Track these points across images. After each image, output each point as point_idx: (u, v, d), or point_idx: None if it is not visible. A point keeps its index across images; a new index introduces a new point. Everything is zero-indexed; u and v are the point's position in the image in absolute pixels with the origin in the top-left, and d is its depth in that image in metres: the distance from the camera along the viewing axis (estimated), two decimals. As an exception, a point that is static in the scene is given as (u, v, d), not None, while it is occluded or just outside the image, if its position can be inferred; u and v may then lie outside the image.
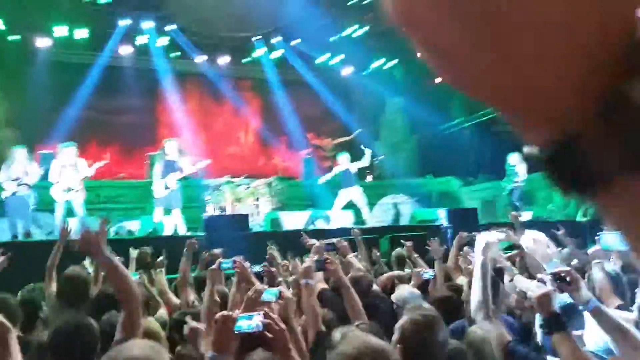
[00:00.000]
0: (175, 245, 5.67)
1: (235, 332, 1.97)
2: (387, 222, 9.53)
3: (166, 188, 7.90)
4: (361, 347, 1.44)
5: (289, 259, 4.62)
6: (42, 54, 12.58)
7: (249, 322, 2.02)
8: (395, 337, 2.02)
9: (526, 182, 9.53)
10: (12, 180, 7.20)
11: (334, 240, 4.07)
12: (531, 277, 3.48)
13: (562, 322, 1.85)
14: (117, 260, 2.09)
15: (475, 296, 2.51)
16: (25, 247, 6.23)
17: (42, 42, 12.29)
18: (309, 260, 3.12)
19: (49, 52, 12.59)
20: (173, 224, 7.96)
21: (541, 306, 1.94)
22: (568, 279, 2.06)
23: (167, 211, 8.02)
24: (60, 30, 12.01)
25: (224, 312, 1.98)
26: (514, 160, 9.60)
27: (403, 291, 3.42)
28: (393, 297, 3.35)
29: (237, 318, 1.98)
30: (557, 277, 2.08)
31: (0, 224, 7.41)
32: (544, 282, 2.16)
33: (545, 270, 2.95)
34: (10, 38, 11.47)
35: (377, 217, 9.67)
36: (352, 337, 1.56)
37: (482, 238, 2.58)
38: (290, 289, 3.56)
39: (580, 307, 2.15)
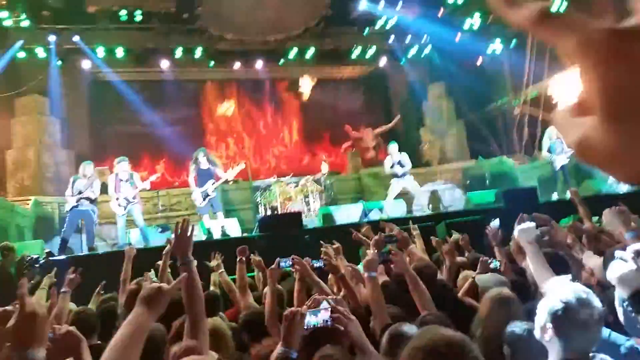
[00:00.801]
0: (229, 247, 5.77)
1: (305, 327, 1.97)
2: (425, 210, 9.29)
3: (206, 196, 8.11)
4: (436, 340, 1.39)
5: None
6: (87, 76, 13.14)
7: (316, 318, 2.01)
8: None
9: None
10: (74, 195, 7.54)
11: (395, 231, 3.99)
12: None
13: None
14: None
15: (541, 278, 2.43)
16: (92, 260, 6.49)
17: (86, 65, 12.80)
18: (371, 253, 3.08)
19: (94, 73, 13.12)
20: (220, 226, 8.17)
21: (625, 284, 1.83)
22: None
23: (213, 215, 8.25)
24: (101, 51, 12.47)
25: (293, 308, 1.98)
26: (554, 133, 9.20)
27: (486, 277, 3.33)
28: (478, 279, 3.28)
29: (305, 313, 1.98)
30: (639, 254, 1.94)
31: (73, 238, 7.77)
32: (624, 260, 2.03)
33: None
34: (55, 62, 11.99)
35: (417, 205, 9.47)
36: (427, 330, 1.51)
37: (518, 229, 2.68)
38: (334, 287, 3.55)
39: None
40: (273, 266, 3.31)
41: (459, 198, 10.49)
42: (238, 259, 3.95)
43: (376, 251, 3.14)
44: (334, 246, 3.73)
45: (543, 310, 1.80)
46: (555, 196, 8.90)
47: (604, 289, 2.49)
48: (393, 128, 14.25)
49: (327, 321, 1.98)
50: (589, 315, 1.74)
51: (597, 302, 1.78)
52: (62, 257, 6.82)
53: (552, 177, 9.70)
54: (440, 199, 10.20)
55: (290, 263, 3.35)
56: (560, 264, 2.98)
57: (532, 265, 2.60)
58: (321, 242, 3.74)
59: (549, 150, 9.45)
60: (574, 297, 1.77)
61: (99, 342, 2.80)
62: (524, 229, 2.66)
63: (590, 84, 0.34)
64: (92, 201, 7.64)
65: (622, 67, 0.32)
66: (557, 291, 1.84)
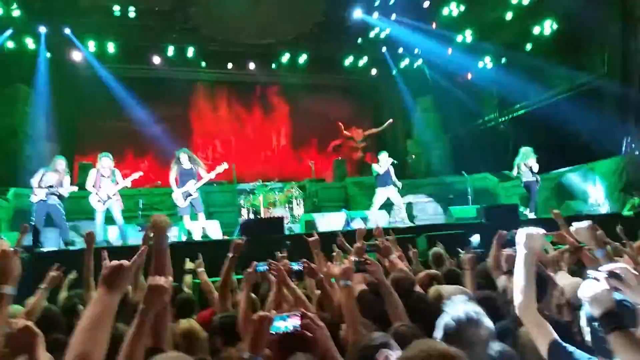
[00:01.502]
0: (210, 249, 5.73)
1: (272, 333, 1.95)
2: (406, 222, 9.33)
3: (187, 197, 8.03)
4: (428, 352, 1.38)
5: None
6: (76, 69, 13.01)
7: (285, 323, 2.00)
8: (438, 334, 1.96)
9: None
10: (45, 187, 7.40)
11: (377, 240, 3.98)
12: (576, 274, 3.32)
13: (621, 319, 1.74)
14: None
15: (519, 295, 2.39)
16: (70, 255, 6.39)
17: (76, 57, 12.68)
18: (349, 260, 3.06)
19: (83, 67, 12.99)
20: (200, 228, 8.08)
21: (597, 303, 1.83)
22: (623, 276, 1.93)
23: (194, 216, 8.16)
24: (92, 45, 12.36)
25: (261, 313, 1.96)
26: (523, 156, 9.32)
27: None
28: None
29: (273, 318, 1.96)
30: (612, 275, 1.95)
31: (49, 233, 7.60)
32: (597, 279, 2.05)
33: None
34: (44, 53, 11.86)
35: (399, 216, 9.50)
36: (418, 342, 1.50)
37: (524, 232, 2.45)
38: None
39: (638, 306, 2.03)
40: (249, 270, 3.28)
41: (439, 212, 10.57)
42: (230, 256, 3.68)
43: (354, 259, 3.13)
44: (344, 266, 3.32)
45: (439, 326, 1.91)
46: (528, 214, 8.94)
47: (573, 309, 2.50)
48: (382, 134, 14.37)
49: (296, 327, 1.97)
50: (474, 334, 1.84)
51: (487, 322, 1.90)
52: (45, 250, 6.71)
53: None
54: (413, 213, 10.26)
55: (267, 267, 3.32)
56: (541, 281, 2.99)
57: (522, 274, 2.43)
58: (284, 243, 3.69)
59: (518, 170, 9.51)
60: (465, 315, 1.85)
61: (60, 335, 2.73)
62: (532, 235, 2.42)
63: None
64: (61, 197, 7.52)
65: None
66: (453, 309, 1.93)
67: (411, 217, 10.05)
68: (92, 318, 1.44)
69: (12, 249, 1.50)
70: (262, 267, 3.33)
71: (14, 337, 1.61)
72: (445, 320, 1.92)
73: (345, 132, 13.90)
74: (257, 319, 1.91)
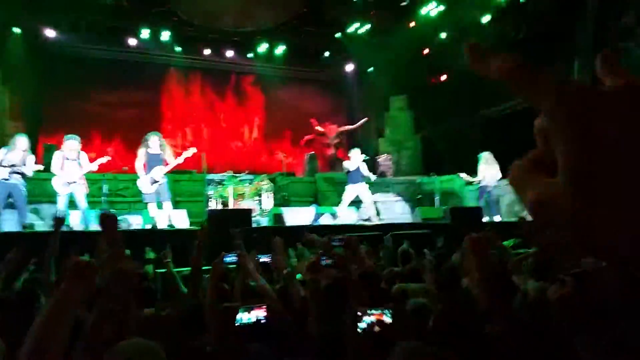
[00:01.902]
0: (175, 238, 5.64)
1: (236, 325, 1.94)
2: (374, 220, 9.41)
3: (153, 183, 7.82)
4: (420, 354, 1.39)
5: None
6: (47, 47, 12.58)
7: (249, 315, 2.00)
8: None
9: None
10: (7, 167, 7.13)
11: (342, 236, 4.01)
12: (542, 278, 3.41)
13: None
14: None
15: (483, 297, 2.46)
16: (29, 238, 6.19)
17: (48, 35, 12.27)
18: (315, 256, 3.08)
19: (54, 45, 12.58)
20: (166, 216, 7.90)
21: (562, 307, 1.88)
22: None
23: (159, 204, 7.94)
24: (65, 23, 11.97)
25: (226, 304, 1.95)
26: (485, 159, 9.61)
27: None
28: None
29: (238, 310, 1.95)
30: (580, 277, 2.01)
31: (8, 214, 7.32)
32: (564, 282, 2.10)
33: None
34: (14, 29, 11.43)
35: (367, 214, 9.56)
36: (405, 346, 1.50)
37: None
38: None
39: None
40: (216, 260, 3.25)
41: (407, 212, 10.69)
42: (197, 243, 3.55)
43: (321, 254, 3.14)
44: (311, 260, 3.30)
45: None
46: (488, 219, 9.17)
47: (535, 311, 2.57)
48: (356, 131, 14.41)
49: (259, 319, 1.96)
50: None
51: None
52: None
53: (497, 199, 10.03)
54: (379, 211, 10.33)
55: (235, 259, 3.31)
56: (509, 288, 3.05)
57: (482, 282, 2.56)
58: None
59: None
60: None
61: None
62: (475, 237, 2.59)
63: (560, 143, 0.33)
64: (24, 177, 7.25)
65: (601, 129, 0.31)
66: None
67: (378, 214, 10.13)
68: (53, 312, 1.38)
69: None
70: (231, 258, 3.32)
71: None
72: None
73: (318, 127, 13.89)
74: (222, 310, 1.90)
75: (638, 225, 0.29)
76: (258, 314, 2.01)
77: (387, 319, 2.11)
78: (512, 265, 3.81)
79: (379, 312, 2.12)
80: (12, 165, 7.13)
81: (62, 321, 1.36)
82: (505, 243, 5.11)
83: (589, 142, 0.31)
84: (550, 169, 0.34)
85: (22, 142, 7.31)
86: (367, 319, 2.13)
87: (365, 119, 14.10)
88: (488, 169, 9.53)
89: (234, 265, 3.59)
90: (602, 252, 0.32)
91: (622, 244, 0.30)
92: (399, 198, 11.14)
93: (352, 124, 14.50)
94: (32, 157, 7.39)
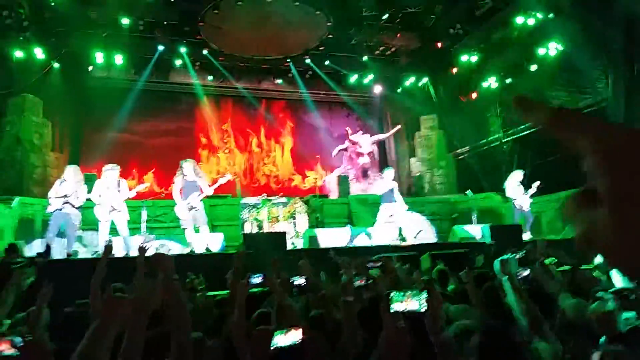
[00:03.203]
0: (214, 262, 5.71)
1: (272, 348, 1.94)
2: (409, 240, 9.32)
3: (191, 209, 7.98)
4: None
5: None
6: (83, 80, 13.14)
7: (285, 338, 1.99)
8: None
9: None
10: (59, 197, 7.44)
11: (376, 257, 3.99)
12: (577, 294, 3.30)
13: (629, 341, 1.73)
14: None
15: (523, 315, 2.43)
16: (72, 265, 6.39)
17: (83, 69, 12.82)
18: (348, 277, 3.06)
19: (90, 78, 13.13)
20: (204, 241, 8.02)
21: (603, 325, 1.83)
22: (632, 297, 1.93)
23: (196, 229, 8.09)
24: (100, 57, 12.49)
25: (262, 327, 1.96)
26: (513, 180, 9.69)
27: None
28: None
29: (273, 333, 1.95)
30: (621, 295, 1.95)
31: (54, 242, 7.62)
32: (605, 300, 2.05)
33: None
34: (54, 64, 11.99)
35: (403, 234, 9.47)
36: None
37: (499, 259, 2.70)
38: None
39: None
40: (243, 281, 3.28)
41: (443, 231, 10.54)
42: (234, 267, 3.55)
43: (354, 275, 3.12)
44: (344, 281, 3.24)
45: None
46: (526, 236, 8.97)
47: (574, 329, 2.50)
48: (387, 146, 14.41)
49: (295, 341, 1.96)
50: None
51: None
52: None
53: (537, 216, 9.82)
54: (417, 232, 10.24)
55: (260, 280, 3.33)
56: (545, 301, 2.97)
57: (519, 301, 2.56)
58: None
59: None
60: None
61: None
62: (503, 260, 2.65)
63: (602, 180, 0.36)
64: (75, 208, 7.55)
65: (635, 162, 0.35)
66: None
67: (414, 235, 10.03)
68: (91, 341, 1.47)
69: None
70: (257, 278, 3.33)
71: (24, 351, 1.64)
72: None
73: (351, 137, 14.02)
74: (258, 333, 1.91)
75: None
76: (295, 336, 2.00)
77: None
78: (555, 284, 3.70)
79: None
80: (65, 196, 7.43)
81: (99, 349, 1.43)
82: (546, 262, 4.97)
83: (625, 175, 0.35)
84: (596, 203, 0.37)
85: (70, 173, 7.62)
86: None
87: (398, 127, 14.16)
88: (519, 188, 9.51)
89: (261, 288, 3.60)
90: None
91: None
92: (434, 217, 11.00)
93: (381, 151, 14.56)
94: (85, 188, 7.68)
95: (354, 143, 14.06)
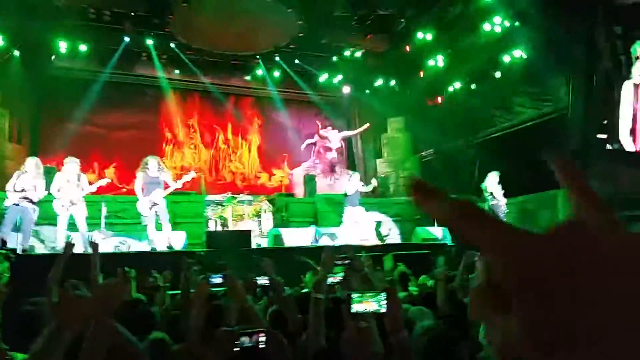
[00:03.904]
0: (175, 260, 5.64)
1: (237, 348, 1.95)
2: (372, 241, 9.48)
3: (152, 206, 7.86)
4: None
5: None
6: (45, 69, 12.70)
7: (249, 339, 2.00)
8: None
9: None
10: (17, 191, 7.17)
11: (346, 254, 4.02)
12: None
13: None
14: None
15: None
16: (28, 260, 6.19)
17: (45, 58, 12.39)
18: (320, 274, 3.09)
19: (52, 68, 12.71)
20: (166, 238, 7.92)
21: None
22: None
23: (159, 226, 7.98)
24: (63, 46, 12.11)
25: (225, 329, 1.96)
26: (490, 180, 9.90)
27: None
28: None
29: (237, 334, 1.96)
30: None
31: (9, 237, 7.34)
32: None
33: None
34: (14, 52, 11.56)
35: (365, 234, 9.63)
36: None
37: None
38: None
39: None
40: (202, 281, 3.27)
41: (406, 232, 10.72)
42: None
43: (325, 272, 3.14)
44: (317, 279, 3.25)
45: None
46: None
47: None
48: (354, 146, 14.57)
49: (258, 343, 1.97)
50: None
51: None
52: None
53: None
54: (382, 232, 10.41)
55: (221, 280, 3.32)
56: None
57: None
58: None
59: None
60: None
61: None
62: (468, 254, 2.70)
63: (513, 297, 0.32)
64: (33, 202, 7.30)
65: (553, 294, 0.31)
66: None
67: (380, 236, 10.16)
68: (48, 341, 1.43)
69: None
70: (217, 279, 3.32)
71: None
72: None
73: (321, 131, 14.14)
74: (222, 334, 1.91)
75: None
76: (258, 338, 2.01)
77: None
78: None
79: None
80: (22, 190, 7.17)
81: (57, 349, 1.40)
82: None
83: (532, 296, 0.31)
84: (506, 300, 0.33)
85: (31, 165, 7.35)
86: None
87: (366, 125, 14.34)
88: (497, 188, 9.78)
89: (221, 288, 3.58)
90: None
91: None
92: (398, 218, 11.17)
93: (349, 150, 14.72)
94: (42, 182, 7.43)
95: (322, 138, 14.19)
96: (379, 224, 10.56)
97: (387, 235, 10.28)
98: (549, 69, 10.62)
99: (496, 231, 0.33)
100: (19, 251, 7.06)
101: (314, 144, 14.37)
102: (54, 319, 1.53)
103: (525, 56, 11.52)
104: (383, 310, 2.04)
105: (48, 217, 8.10)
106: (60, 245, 7.33)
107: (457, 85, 13.50)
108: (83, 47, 12.30)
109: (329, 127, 14.61)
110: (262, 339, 2.03)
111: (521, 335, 0.31)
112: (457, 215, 0.35)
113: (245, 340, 2.01)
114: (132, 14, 12.12)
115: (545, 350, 0.30)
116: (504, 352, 0.33)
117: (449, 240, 8.39)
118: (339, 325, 2.87)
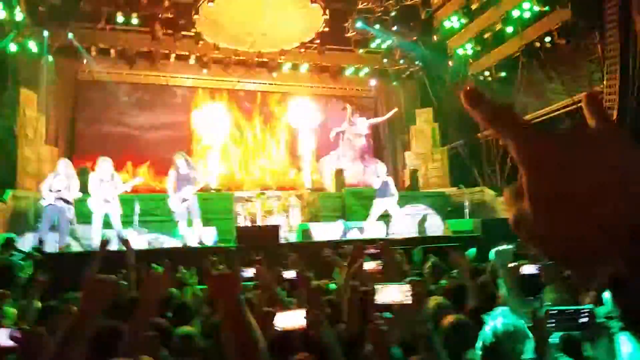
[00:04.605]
0: (207, 256, 5.71)
1: (277, 329, 1.98)
2: (403, 234, 9.39)
3: (183, 201, 7.98)
4: None
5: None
6: (76, 73, 13.07)
7: (289, 320, 2.03)
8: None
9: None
10: (52, 192, 7.43)
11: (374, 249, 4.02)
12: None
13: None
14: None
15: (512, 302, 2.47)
16: (64, 258, 6.39)
17: (76, 62, 12.74)
18: (355, 266, 3.13)
19: (84, 71, 13.07)
20: (197, 234, 8.05)
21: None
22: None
23: (190, 222, 8.10)
24: (93, 50, 12.42)
25: (266, 308, 2.01)
26: None
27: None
28: None
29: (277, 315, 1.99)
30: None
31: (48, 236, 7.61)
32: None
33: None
34: (48, 58, 11.92)
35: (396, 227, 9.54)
36: None
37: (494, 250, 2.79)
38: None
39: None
40: (232, 273, 3.30)
41: (438, 225, 10.57)
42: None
43: (356, 265, 3.16)
44: (353, 268, 3.34)
45: (479, 339, 1.89)
46: None
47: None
48: (385, 122, 14.61)
49: (300, 325, 2.00)
50: (512, 349, 1.83)
51: (525, 335, 1.87)
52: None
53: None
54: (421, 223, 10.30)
55: (252, 274, 3.36)
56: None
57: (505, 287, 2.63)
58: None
59: None
60: (503, 329, 1.85)
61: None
62: (499, 251, 2.72)
63: (524, 176, 0.41)
64: (68, 202, 7.54)
65: (550, 170, 0.39)
66: (492, 322, 1.92)
67: (421, 228, 10.13)
68: (72, 325, 1.46)
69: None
70: (247, 272, 3.37)
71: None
72: (485, 334, 1.90)
73: (351, 118, 14.24)
74: (263, 314, 1.94)
75: (575, 238, 0.39)
76: (299, 318, 2.04)
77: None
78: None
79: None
80: (58, 191, 7.43)
81: (80, 334, 1.42)
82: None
83: (542, 176, 0.40)
84: (524, 196, 0.42)
85: (62, 166, 7.60)
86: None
87: (394, 110, 14.29)
88: None
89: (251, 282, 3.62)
90: (553, 255, 0.41)
91: (566, 249, 0.40)
92: (428, 211, 11.04)
93: (377, 142, 14.61)
94: (76, 182, 7.68)
95: (352, 124, 14.26)
96: (424, 217, 10.54)
97: (424, 228, 10.18)
98: (580, 53, 10.31)
99: (522, 129, 0.42)
100: (55, 250, 7.31)
101: (343, 132, 14.42)
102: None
103: (555, 41, 11.18)
104: (407, 302, 2.03)
105: (83, 216, 8.35)
106: (95, 243, 7.55)
107: (486, 73, 13.22)
108: (112, 51, 12.58)
109: (357, 114, 14.66)
110: (303, 321, 2.06)
111: (529, 210, 0.40)
112: (496, 117, 0.44)
113: (285, 321, 2.04)
114: (160, 16, 12.33)
115: (546, 221, 0.39)
116: (518, 231, 0.42)
117: (478, 233, 8.25)
118: (365, 316, 2.88)
